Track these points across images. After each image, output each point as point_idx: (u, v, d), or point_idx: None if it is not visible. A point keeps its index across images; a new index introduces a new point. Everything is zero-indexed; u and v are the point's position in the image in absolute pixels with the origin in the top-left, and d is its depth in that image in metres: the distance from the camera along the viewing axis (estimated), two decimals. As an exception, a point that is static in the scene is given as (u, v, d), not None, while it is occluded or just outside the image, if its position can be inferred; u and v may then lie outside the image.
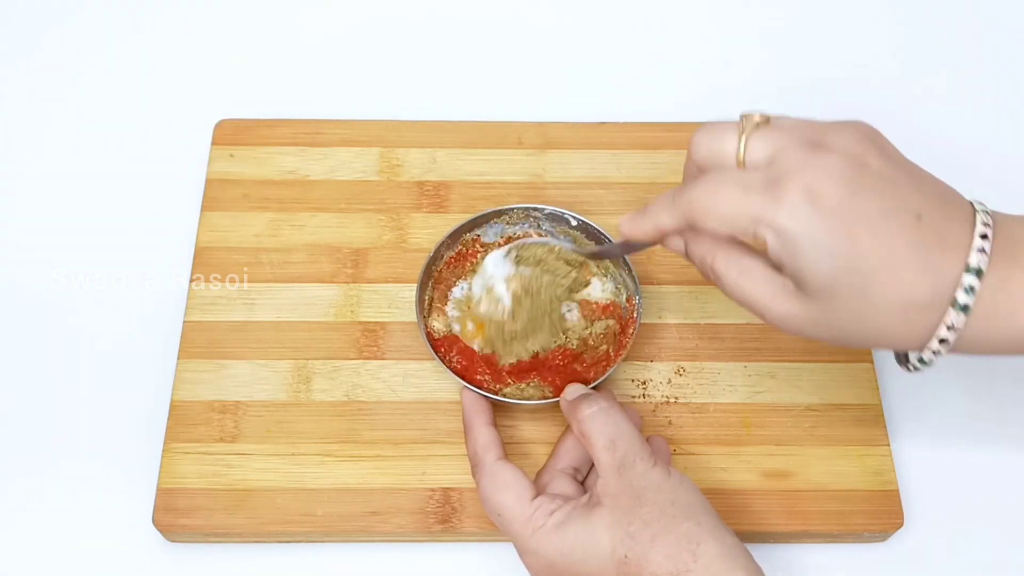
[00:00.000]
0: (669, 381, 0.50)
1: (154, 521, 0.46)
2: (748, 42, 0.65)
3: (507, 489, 0.41)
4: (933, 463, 0.50)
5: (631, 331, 0.49)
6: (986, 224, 0.34)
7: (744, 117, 0.36)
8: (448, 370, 0.47)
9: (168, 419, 0.48)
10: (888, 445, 0.49)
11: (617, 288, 0.51)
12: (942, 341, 0.35)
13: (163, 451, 0.47)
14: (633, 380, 0.50)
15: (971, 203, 0.36)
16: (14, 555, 0.47)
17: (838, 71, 0.63)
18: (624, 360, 0.48)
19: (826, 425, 0.49)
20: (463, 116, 0.58)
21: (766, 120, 0.36)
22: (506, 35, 0.65)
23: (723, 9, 0.66)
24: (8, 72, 0.62)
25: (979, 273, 0.33)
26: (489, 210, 0.51)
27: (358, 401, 0.49)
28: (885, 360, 0.52)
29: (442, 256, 0.51)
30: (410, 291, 0.51)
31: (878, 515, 0.47)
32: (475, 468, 0.44)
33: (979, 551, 0.48)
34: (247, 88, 0.61)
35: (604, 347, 0.49)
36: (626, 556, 0.38)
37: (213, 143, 0.57)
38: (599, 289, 0.51)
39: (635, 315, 0.49)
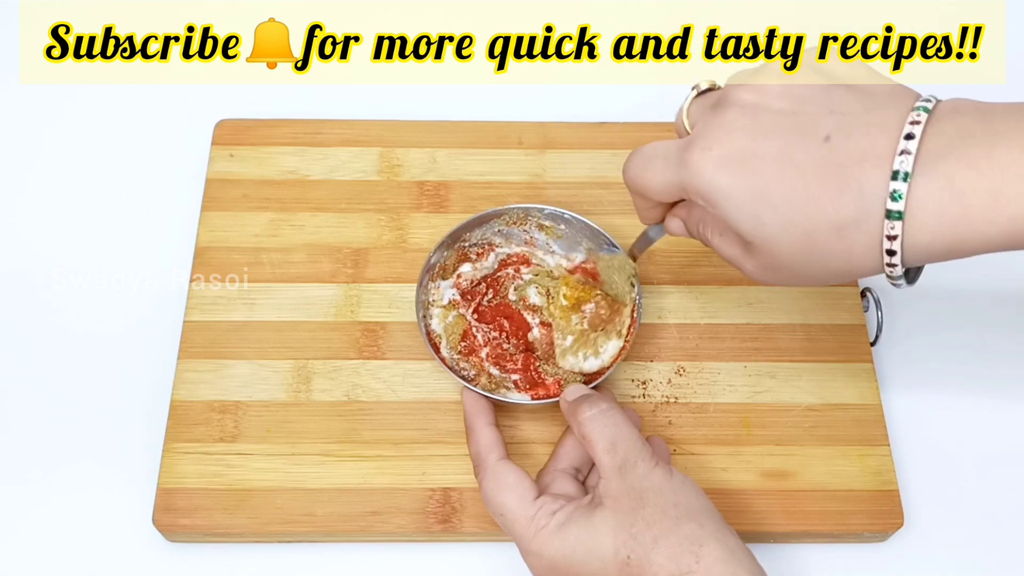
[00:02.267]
0: (669, 381, 0.50)
1: (154, 521, 0.46)
2: (749, 42, 0.65)
3: (509, 489, 0.41)
4: (933, 463, 0.50)
5: (632, 331, 0.49)
6: (914, 122, 0.32)
7: (693, 87, 0.39)
8: (448, 370, 0.47)
9: (168, 419, 0.48)
10: (888, 445, 0.49)
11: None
12: (890, 252, 0.33)
13: (163, 451, 0.47)
14: (633, 380, 0.50)
15: (918, 98, 0.34)
16: (15, 555, 0.47)
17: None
18: (624, 360, 0.49)
19: (826, 425, 0.49)
20: (463, 116, 0.58)
21: (712, 87, 0.39)
22: (505, 33, 0.64)
23: (723, 9, 0.66)
24: (8, 72, 0.62)
25: (905, 177, 0.32)
26: (488, 211, 0.51)
27: (358, 401, 0.49)
28: (886, 360, 0.52)
29: (443, 255, 0.51)
30: (410, 291, 0.51)
31: (878, 515, 0.47)
32: (477, 468, 0.44)
33: (979, 551, 0.48)
34: (247, 88, 0.61)
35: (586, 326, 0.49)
36: (628, 557, 0.38)
37: (213, 143, 0.57)
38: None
39: (635, 315, 0.49)
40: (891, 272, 0.35)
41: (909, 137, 0.33)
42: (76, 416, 0.50)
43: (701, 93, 0.39)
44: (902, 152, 0.32)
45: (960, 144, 0.32)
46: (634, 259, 0.49)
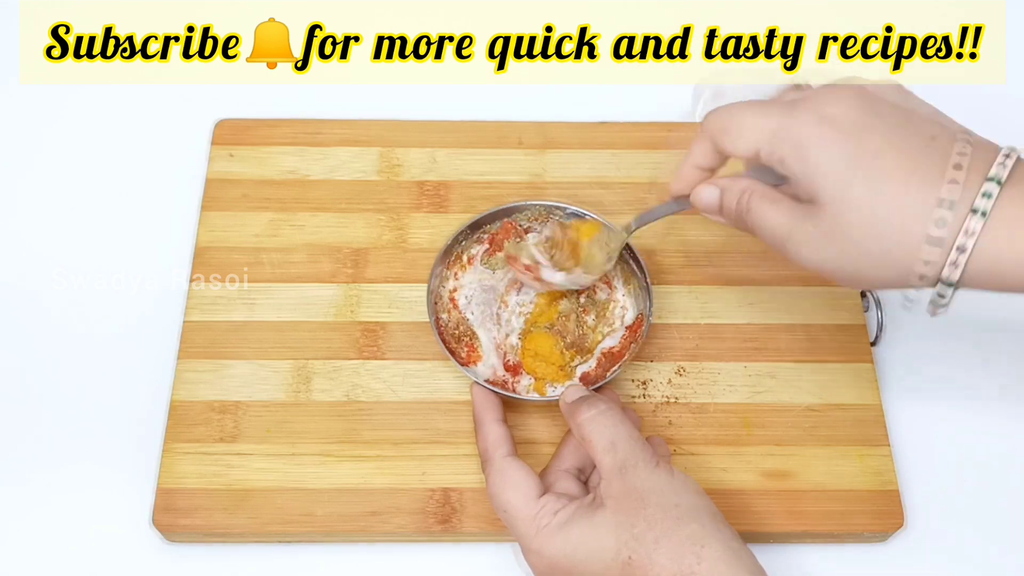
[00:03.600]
0: (669, 381, 0.50)
1: (154, 521, 0.46)
2: (749, 42, 0.65)
3: (514, 487, 0.41)
4: (934, 463, 0.50)
5: (639, 333, 0.49)
6: (995, 181, 0.34)
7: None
8: (458, 364, 0.47)
9: (168, 419, 0.48)
10: (888, 445, 0.48)
11: (636, 299, 0.51)
12: (921, 278, 0.36)
13: (163, 451, 0.47)
14: (633, 380, 0.50)
15: (996, 147, 0.36)
16: (14, 555, 0.47)
17: (843, 70, 0.63)
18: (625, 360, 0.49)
19: (826, 425, 0.49)
20: (463, 116, 0.58)
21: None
22: (505, 33, 0.64)
23: (723, 8, 0.66)
24: (8, 72, 0.62)
25: (951, 206, 0.34)
26: (509, 204, 0.51)
27: (358, 401, 0.49)
28: (886, 360, 0.52)
29: (460, 242, 0.51)
30: (410, 291, 0.52)
31: (878, 515, 0.47)
32: (484, 464, 0.44)
33: (979, 552, 0.48)
34: (247, 88, 0.61)
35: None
36: (630, 557, 0.38)
37: (213, 143, 0.57)
38: (621, 295, 0.51)
39: (646, 318, 0.49)
40: (937, 301, 0.36)
41: (957, 168, 0.35)
42: (76, 416, 0.50)
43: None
44: (952, 181, 0.35)
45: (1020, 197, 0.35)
46: (628, 232, 0.48)
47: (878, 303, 0.51)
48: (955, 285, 0.35)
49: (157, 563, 0.47)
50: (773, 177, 0.40)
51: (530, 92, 0.61)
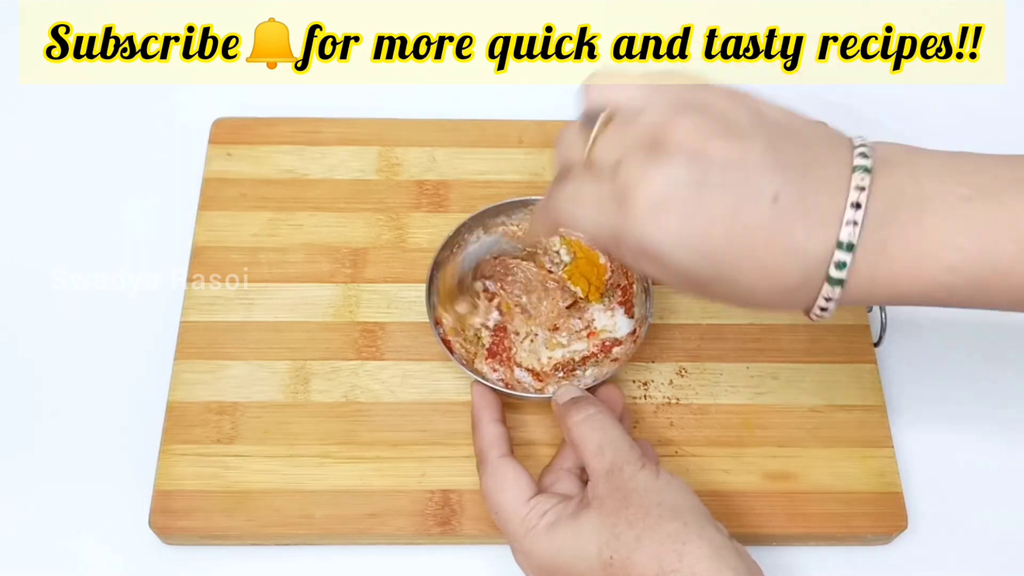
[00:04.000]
0: (671, 382, 0.50)
1: (151, 523, 0.46)
2: (749, 42, 0.65)
3: (506, 488, 0.41)
4: (937, 465, 0.49)
5: (638, 333, 0.48)
6: (860, 188, 0.33)
7: (589, 118, 0.35)
8: (458, 362, 0.47)
9: (165, 420, 0.48)
10: (891, 447, 0.48)
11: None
12: (823, 309, 0.35)
13: (160, 453, 0.47)
14: (634, 381, 0.50)
15: (853, 149, 0.34)
16: (11, 557, 0.46)
17: (843, 70, 0.63)
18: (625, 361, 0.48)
19: (829, 426, 0.49)
20: (463, 115, 0.58)
21: (610, 117, 0.35)
22: (505, 33, 0.64)
23: (724, 9, 0.66)
24: (7, 72, 0.62)
25: (850, 247, 0.33)
26: (515, 199, 0.51)
27: (357, 402, 0.49)
28: (889, 361, 0.52)
29: (463, 236, 0.51)
30: (409, 291, 0.51)
31: (881, 517, 0.46)
32: (479, 464, 0.44)
33: (984, 554, 0.47)
34: (245, 86, 0.61)
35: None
36: (611, 557, 0.38)
37: (210, 142, 0.56)
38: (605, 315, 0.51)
39: (646, 317, 0.48)
40: (819, 316, 0.35)
41: (856, 206, 0.33)
42: (73, 417, 0.50)
43: (603, 125, 0.35)
44: (850, 223, 0.33)
45: (893, 209, 0.33)
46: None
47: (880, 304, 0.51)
48: (838, 303, 0.34)
49: (154, 565, 0.46)
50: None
51: (530, 91, 0.61)
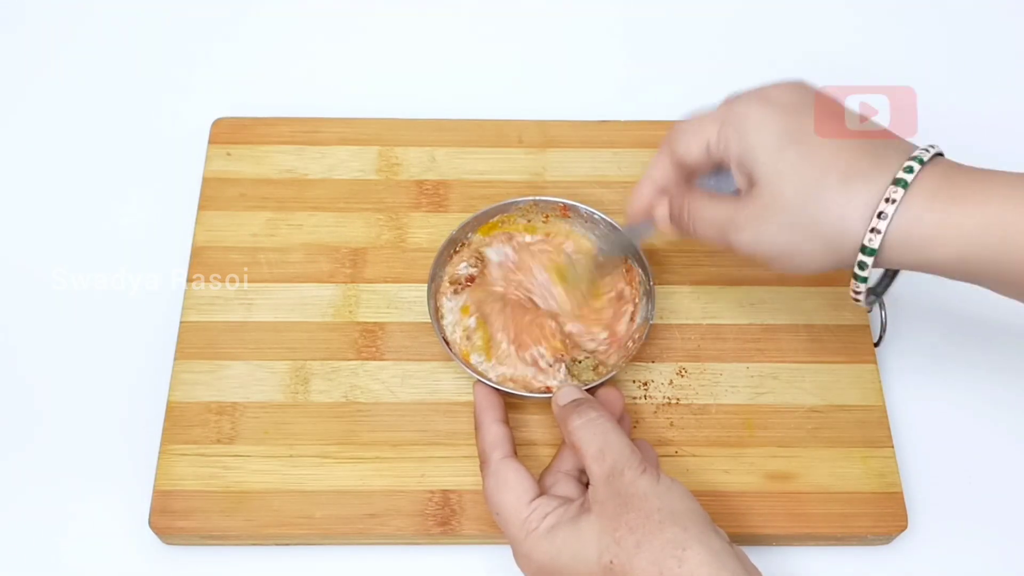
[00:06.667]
0: (671, 382, 0.50)
1: (150, 523, 0.46)
2: (749, 40, 0.64)
3: (508, 489, 0.41)
4: (937, 465, 0.49)
5: (638, 335, 0.48)
6: (916, 160, 0.37)
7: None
8: (461, 362, 0.47)
9: (165, 420, 0.48)
10: (892, 447, 0.48)
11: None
12: (873, 231, 0.38)
13: (160, 453, 0.47)
14: (635, 381, 0.50)
15: (919, 148, 0.39)
16: (11, 557, 0.46)
17: (843, 70, 0.63)
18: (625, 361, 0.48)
19: (829, 427, 0.49)
20: (462, 114, 0.58)
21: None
22: (506, 32, 0.64)
23: (724, 7, 0.66)
24: (6, 71, 0.62)
25: (905, 184, 0.37)
26: (521, 199, 0.51)
27: (356, 402, 0.49)
28: (889, 361, 0.52)
29: (466, 233, 0.51)
30: (409, 291, 0.51)
31: (882, 518, 0.46)
32: (482, 465, 0.44)
33: (984, 554, 0.47)
34: (244, 86, 0.61)
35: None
36: (612, 562, 0.38)
37: (210, 141, 0.56)
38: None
39: (646, 317, 0.48)
40: (865, 252, 0.38)
41: (908, 171, 0.38)
42: (73, 416, 0.50)
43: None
44: (895, 181, 0.38)
45: (944, 190, 0.38)
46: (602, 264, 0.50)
47: (881, 303, 0.51)
48: (875, 253, 0.38)
49: (154, 565, 0.46)
50: (721, 185, 0.43)
51: (530, 90, 0.61)
